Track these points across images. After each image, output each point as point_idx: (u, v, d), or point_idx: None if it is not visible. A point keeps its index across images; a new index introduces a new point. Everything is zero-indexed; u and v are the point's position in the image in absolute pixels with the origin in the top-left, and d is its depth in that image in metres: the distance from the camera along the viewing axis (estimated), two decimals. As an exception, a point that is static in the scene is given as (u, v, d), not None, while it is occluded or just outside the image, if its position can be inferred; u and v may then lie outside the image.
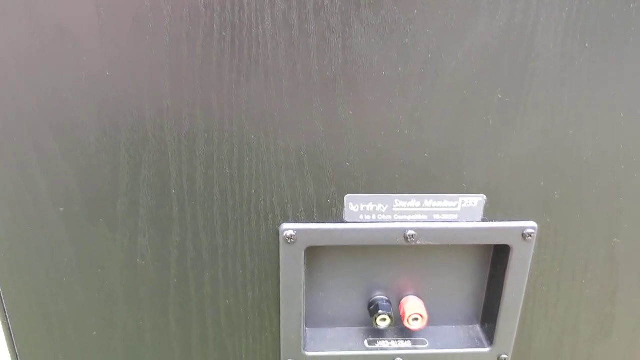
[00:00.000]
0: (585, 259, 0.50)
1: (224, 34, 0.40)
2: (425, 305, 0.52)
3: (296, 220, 0.47)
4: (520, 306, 0.51)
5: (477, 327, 0.55)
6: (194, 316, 0.50)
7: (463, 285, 0.53)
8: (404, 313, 0.51)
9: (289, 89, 0.42)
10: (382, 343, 0.53)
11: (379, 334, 0.54)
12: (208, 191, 0.45)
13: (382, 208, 0.47)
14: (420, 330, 0.53)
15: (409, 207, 0.47)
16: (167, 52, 0.40)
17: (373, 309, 0.52)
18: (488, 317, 0.54)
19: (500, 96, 0.43)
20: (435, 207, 0.47)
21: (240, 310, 0.50)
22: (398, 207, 0.47)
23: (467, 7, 0.40)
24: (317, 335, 0.53)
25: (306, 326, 0.54)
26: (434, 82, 0.42)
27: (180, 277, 0.48)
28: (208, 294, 0.49)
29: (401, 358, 0.52)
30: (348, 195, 0.46)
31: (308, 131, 0.43)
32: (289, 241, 0.46)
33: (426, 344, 0.53)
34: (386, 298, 0.52)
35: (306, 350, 0.51)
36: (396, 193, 0.46)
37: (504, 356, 0.53)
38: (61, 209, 0.45)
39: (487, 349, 0.53)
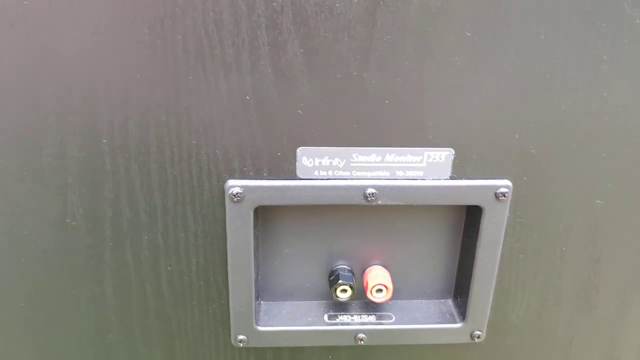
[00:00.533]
0: (566, 223, 0.45)
1: (153, -45, 0.35)
2: (392, 276, 0.47)
3: (243, 176, 0.41)
4: (495, 276, 0.46)
5: (449, 302, 0.50)
6: (133, 285, 0.45)
7: (433, 254, 0.48)
8: (367, 284, 0.46)
9: (229, 22, 0.37)
10: (344, 317, 0.48)
11: (340, 307, 0.49)
12: (143, 142, 0.40)
13: (339, 163, 0.42)
14: (386, 303, 0.48)
15: (369, 162, 0.42)
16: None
17: (333, 279, 0.46)
18: (460, 289, 0.49)
19: (469, 34, 0.38)
20: (398, 162, 0.42)
21: (183, 279, 0.45)
22: (357, 162, 0.42)
23: None
24: (272, 309, 0.48)
25: (260, 299, 0.48)
26: (395, 16, 0.37)
27: (115, 241, 0.43)
28: (147, 259, 0.44)
29: (364, 334, 0.47)
30: (301, 148, 0.41)
31: (253, 72, 0.38)
32: (235, 199, 0.41)
33: (392, 318, 0.48)
34: (348, 267, 0.47)
35: (259, 325, 0.46)
36: (355, 146, 0.41)
37: (477, 332, 0.48)
38: (-22, 160, 0.40)
39: (458, 325, 0.48)
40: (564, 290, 0.48)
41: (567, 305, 0.48)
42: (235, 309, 0.45)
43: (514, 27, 0.38)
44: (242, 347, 0.48)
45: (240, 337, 0.46)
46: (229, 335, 0.47)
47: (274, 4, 0.37)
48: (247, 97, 0.39)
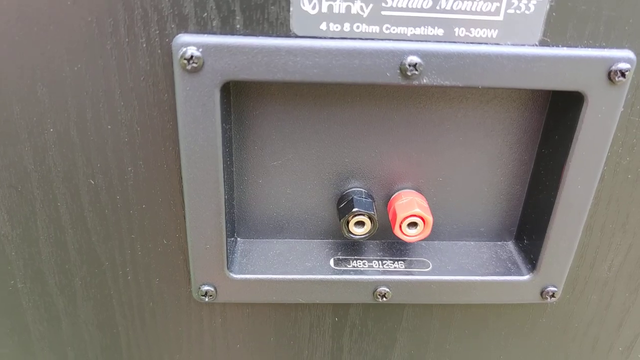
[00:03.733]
0: None
1: None
2: (430, 205, 0.30)
3: (203, 29, 0.24)
4: (589, 206, 0.29)
5: (510, 245, 0.33)
6: (38, 207, 0.28)
7: (491, 174, 0.31)
8: (395, 214, 0.30)
9: None
10: (358, 263, 0.31)
11: (354, 249, 0.32)
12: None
13: (362, 9, 0.24)
14: (420, 243, 0.31)
15: (412, 9, 0.24)
16: None
17: (344, 206, 0.30)
18: (528, 227, 0.32)
19: None
20: (459, 12, 0.24)
21: (115, 200, 0.28)
22: (392, 8, 0.24)
23: None
24: (254, 249, 0.31)
25: (237, 235, 0.32)
26: None
27: (34, 141, 0.26)
28: (58, 166, 0.27)
29: (387, 287, 0.30)
30: (299, -19, 0.23)
31: None
32: (190, 67, 0.24)
33: (429, 266, 0.31)
34: (366, 191, 0.31)
35: (232, 271, 0.30)
36: (389, -19, 0.24)
37: (551, 288, 0.31)
38: None
39: (525, 277, 0.31)
40: (685, 231, 0.31)
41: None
42: (196, 248, 0.29)
43: None
44: (207, 303, 0.32)
45: (205, 287, 0.30)
46: (189, 284, 0.31)
47: None
48: None
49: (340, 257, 0.32)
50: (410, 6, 0.24)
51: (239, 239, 0.32)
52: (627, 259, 0.32)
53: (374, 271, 0.31)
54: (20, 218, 0.28)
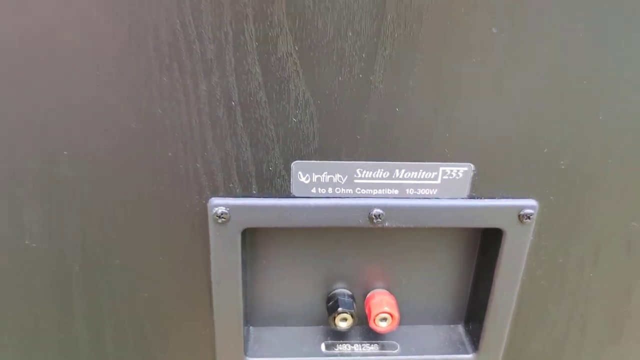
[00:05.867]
0: (596, 246, 0.37)
1: None
2: (397, 300, 0.39)
3: (229, 193, 0.33)
4: (513, 303, 0.38)
5: (460, 328, 0.42)
6: (105, 312, 0.37)
7: (443, 278, 0.40)
8: (370, 311, 0.38)
9: (209, 12, 0.28)
10: (343, 347, 0.40)
11: (339, 335, 0.41)
12: (111, 153, 0.32)
13: (340, 179, 0.33)
14: (390, 331, 0.40)
15: (375, 178, 0.33)
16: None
17: (332, 305, 0.38)
18: (473, 315, 0.41)
19: (495, 30, 0.30)
20: (409, 179, 0.33)
21: (164, 306, 0.37)
22: (361, 178, 0.33)
23: None
24: (263, 336, 0.40)
25: (250, 325, 0.41)
26: (409, 6, 0.29)
27: (83, 264, 0.35)
28: (121, 284, 0.36)
29: (366, 366, 0.39)
30: (296, 161, 0.33)
31: (240, 73, 0.30)
32: (220, 221, 0.33)
33: (397, 348, 0.40)
34: (349, 292, 0.39)
35: (248, 355, 0.38)
36: (359, 160, 0.33)
37: (491, 364, 0.40)
38: None
39: (470, 355, 0.40)
40: (590, 320, 0.40)
41: (593, 336, 0.40)
42: (221, 338, 0.37)
43: (546, 21, 0.30)
44: (230, 379, 0.40)
45: (228, 369, 0.38)
46: (216, 367, 0.39)
47: (264, -10, 0.28)
48: (232, 103, 0.31)
49: (329, 341, 0.40)
50: (374, 176, 0.33)
51: (251, 327, 0.41)
52: (549, 341, 0.40)
53: (356, 353, 0.39)
54: (96, 320, 0.37)
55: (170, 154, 0.32)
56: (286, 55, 0.30)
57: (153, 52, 0.29)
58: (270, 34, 0.29)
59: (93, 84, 0.30)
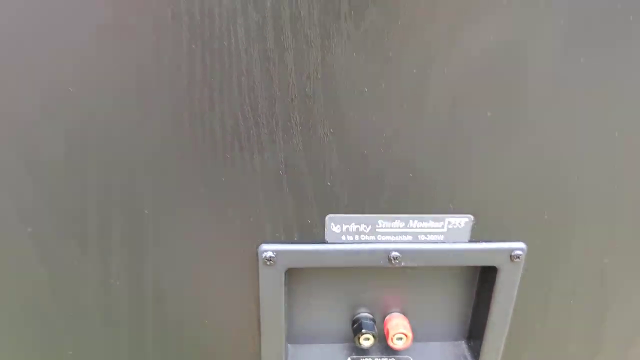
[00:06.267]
0: (575, 280, 0.44)
1: (193, 46, 0.34)
2: (410, 322, 0.47)
3: (276, 240, 0.41)
4: (507, 325, 0.45)
5: (463, 344, 0.50)
6: (171, 336, 0.45)
7: (449, 304, 0.47)
8: (387, 331, 0.46)
9: (265, 105, 0.36)
10: (366, 361, 0.48)
11: (362, 351, 0.48)
12: (184, 212, 0.40)
13: (365, 229, 0.41)
14: (405, 349, 0.47)
15: (393, 227, 0.41)
16: (134, 66, 0.35)
17: (356, 327, 0.46)
18: (474, 333, 0.48)
19: (489, 114, 0.37)
20: (421, 227, 0.41)
21: (222, 330, 0.45)
22: (382, 227, 0.41)
23: (455, 20, 0.34)
24: (299, 352, 0.48)
25: (288, 342, 0.48)
26: (420, 99, 0.37)
27: (156, 299, 0.43)
28: (187, 313, 0.44)
29: (385, 377, 0.47)
30: (329, 215, 0.40)
31: (286, 149, 0.38)
32: (268, 263, 0.41)
33: (411, 362, 0.48)
34: (370, 315, 0.47)
35: (287, 370, 0.46)
36: (380, 213, 0.41)
37: (489, 376, 0.48)
38: (29, 229, 0.40)
39: (472, 368, 0.48)
40: (571, 338, 0.47)
41: (575, 351, 0.48)
42: (266, 355, 0.45)
43: (531, 107, 0.37)
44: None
45: (271, 381, 0.46)
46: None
47: (306, 89, 0.36)
48: (280, 172, 0.38)
49: (354, 356, 0.48)
50: (392, 226, 0.41)
51: (289, 345, 0.48)
52: (537, 355, 0.48)
53: (376, 367, 0.47)
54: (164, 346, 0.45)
55: (231, 212, 0.39)
56: (323, 135, 0.37)
57: (219, 135, 0.37)
58: (311, 120, 0.37)
59: (173, 160, 0.37)
